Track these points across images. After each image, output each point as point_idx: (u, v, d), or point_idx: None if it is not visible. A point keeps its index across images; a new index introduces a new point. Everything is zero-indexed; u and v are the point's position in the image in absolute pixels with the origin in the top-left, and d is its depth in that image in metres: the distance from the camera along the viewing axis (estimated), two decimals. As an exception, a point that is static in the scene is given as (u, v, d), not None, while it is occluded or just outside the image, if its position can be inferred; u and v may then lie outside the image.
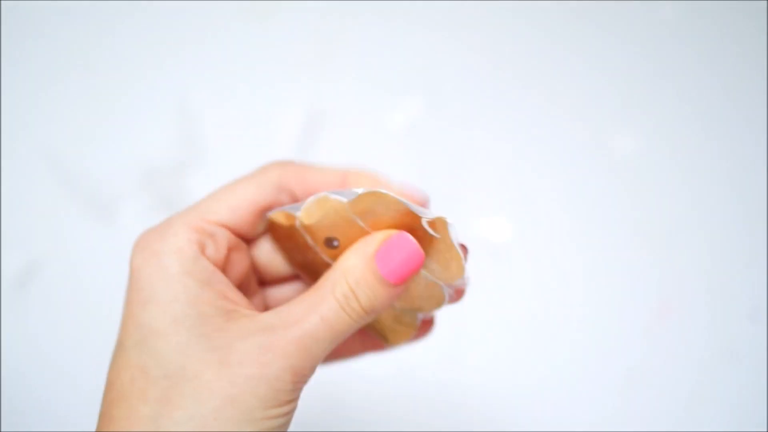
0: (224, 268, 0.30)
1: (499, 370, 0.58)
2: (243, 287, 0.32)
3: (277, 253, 0.33)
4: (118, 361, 0.27)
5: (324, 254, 0.31)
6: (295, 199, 0.31)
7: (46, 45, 0.64)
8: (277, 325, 0.27)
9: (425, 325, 0.35)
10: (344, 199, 0.28)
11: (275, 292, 0.34)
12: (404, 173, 0.63)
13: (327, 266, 0.31)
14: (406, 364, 0.56)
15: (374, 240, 0.29)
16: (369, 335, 0.35)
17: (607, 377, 0.58)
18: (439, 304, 0.32)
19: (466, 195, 0.63)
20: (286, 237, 0.30)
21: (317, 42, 0.66)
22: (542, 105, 0.66)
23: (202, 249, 0.29)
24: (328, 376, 0.55)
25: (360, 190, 0.28)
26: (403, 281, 0.29)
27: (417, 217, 0.28)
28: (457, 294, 0.33)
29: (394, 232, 0.29)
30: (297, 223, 0.30)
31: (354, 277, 0.28)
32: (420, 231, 0.29)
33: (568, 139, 0.65)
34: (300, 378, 0.27)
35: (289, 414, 0.27)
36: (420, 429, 0.55)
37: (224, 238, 0.30)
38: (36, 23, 0.65)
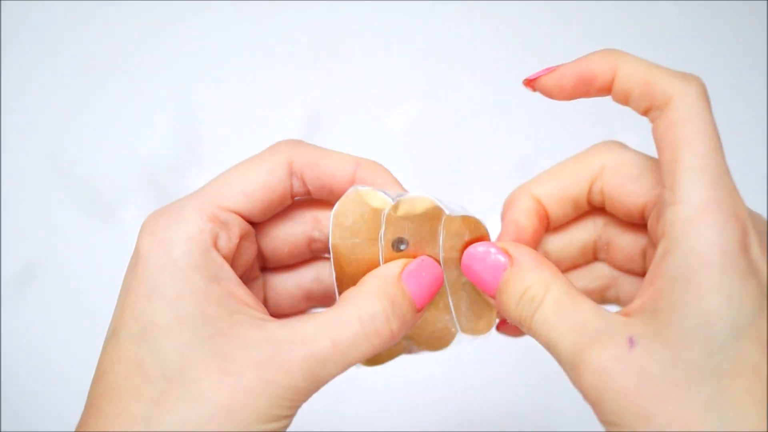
0: (233, 258, 0.29)
1: (500, 369, 0.58)
2: (246, 274, 0.31)
3: (282, 240, 0.31)
4: (112, 352, 0.26)
5: (384, 251, 0.30)
6: (304, 186, 0.30)
7: (47, 45, 0.64)
8: (283, 340, 0.26)
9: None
10: (447, 211, 0.28)
11: (277, 280, 0.33)
12: (404, 173, 0.63)
13: (372, 263, 0.30)
14: (406, 363, 0.56)
15: (395, 264, 0.28)
16: None
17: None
18: (436, 348, 0.31)
19: (466, 195, 0.63)
20: (359, 216, 0.29)
21: (317, 42, 0.66)
22: (542, 105, 0.66)
23: (215, 240, 0.27)
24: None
25: (467, 212, 0.28)
26: (425, 304, 0.28)
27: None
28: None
29: (414, 259, 0.28)
30: (385, 210, 0.29)
31: (388, 297, 0.27)
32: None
33: (569, 139, 0.65)
34: (301, 397, 0.26)
35: (285, 428, 0.26)
36: (420, 429, 0.55)
37: (237, 227, 0.28)
38: (36, 24, 0.65)
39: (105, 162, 0.61)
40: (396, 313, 0.27)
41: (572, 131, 0.65)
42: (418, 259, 0.28)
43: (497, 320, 0.31)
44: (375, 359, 0.33)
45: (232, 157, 0.66)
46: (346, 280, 0.30)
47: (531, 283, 0.26)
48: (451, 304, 0.30)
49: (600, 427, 0.53)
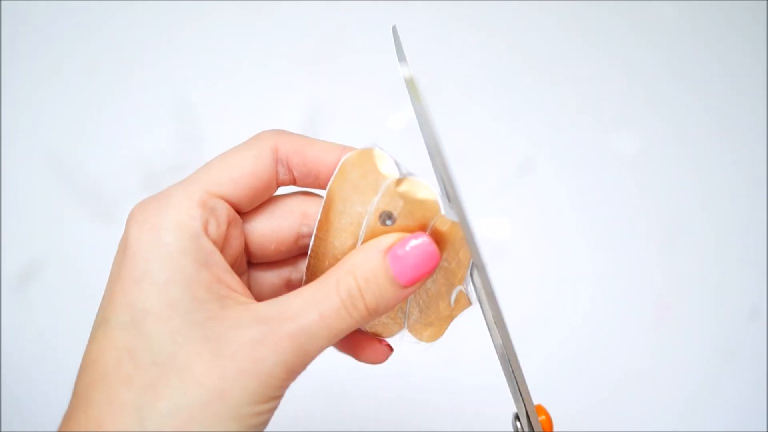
0: (222, 245, 0.28)
1: (499, 369, 0.58)
2: (235, 266, 0.30)
3: (269, 237, 0.31)
4: (102, 340, 0.26)
5: (368, 222, 0.29)
6: (290, 173, 0.30)
7: (46, 45, 0.64)
8: (272, 318, 0.26)
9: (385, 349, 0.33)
10: (443, 211, 0.28)
11: (260, 276, 0.33)
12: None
13: (355, 224, 0.29)
14: (406, 363, 0.56)
15: (389, 238, 0.28)
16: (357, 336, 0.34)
17: (607, 377, 0.58)
18: (379, 334, 0.31)
19: (466, 195, 0.63)
20: (362, 173, 0.29)
21: (317, 42, 0.66)
22: (543, 104, 0.66)
23: (205, 226, 0.27)
24: (328, 376, 0.55)
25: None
26: (414, 283, 0.27)
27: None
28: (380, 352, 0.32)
29: (409, 234, 0.28)
30: (387, 181, 0.28)
31: (363, 274, 0.27)
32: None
33: (570, 139, 0.65)
34: (292, 375, 0.26)
35: (273, 410, 0.26)
36: (420, 429, 0.55)
37: (224, 213, 0.28)
38: (36, 23, 0.65)
39: (106, 162, 0.61)
40: (370, 290, 0.27)
41: (573, 131, 0.65)
42: (411, 236, 0.28)
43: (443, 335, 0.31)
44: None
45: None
46: (328, 227, 0.30)
47: None
48: (407, 302, 0.30)
49: (598, 427, 0.53)
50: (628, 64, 0.67)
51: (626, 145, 0.65)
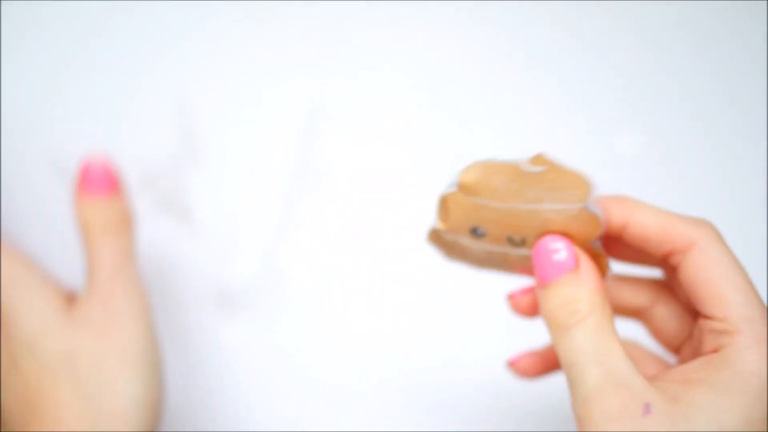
0: None
1: (500, 368, 0.58)
2: None
3: None
4: None
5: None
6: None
7: (46, 44, 0.64)
8: None
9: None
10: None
11: None
12: (405, 173, 0.63)
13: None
14: (406, 363, 0.56)
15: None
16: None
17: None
18: (587, 188, 0.32)
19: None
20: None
21: (318, 40, 0.66)
22: (544, 104, 0.66)
23: None
24: (327, 376, 0.55)
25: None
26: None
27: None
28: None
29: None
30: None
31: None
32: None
33: (570, 138, 0.65)
34: None
35: None
36: (420, 429, 0.55)
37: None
38: (36, 22, 0.65)
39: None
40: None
41: (575, 132, 0.65)
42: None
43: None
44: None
45: (232, 156, 0.66)
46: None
47: (582, 297, 0.27)
48: None
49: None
50: (629, 64, 0.67)
51: (627, 145, 0.65)
